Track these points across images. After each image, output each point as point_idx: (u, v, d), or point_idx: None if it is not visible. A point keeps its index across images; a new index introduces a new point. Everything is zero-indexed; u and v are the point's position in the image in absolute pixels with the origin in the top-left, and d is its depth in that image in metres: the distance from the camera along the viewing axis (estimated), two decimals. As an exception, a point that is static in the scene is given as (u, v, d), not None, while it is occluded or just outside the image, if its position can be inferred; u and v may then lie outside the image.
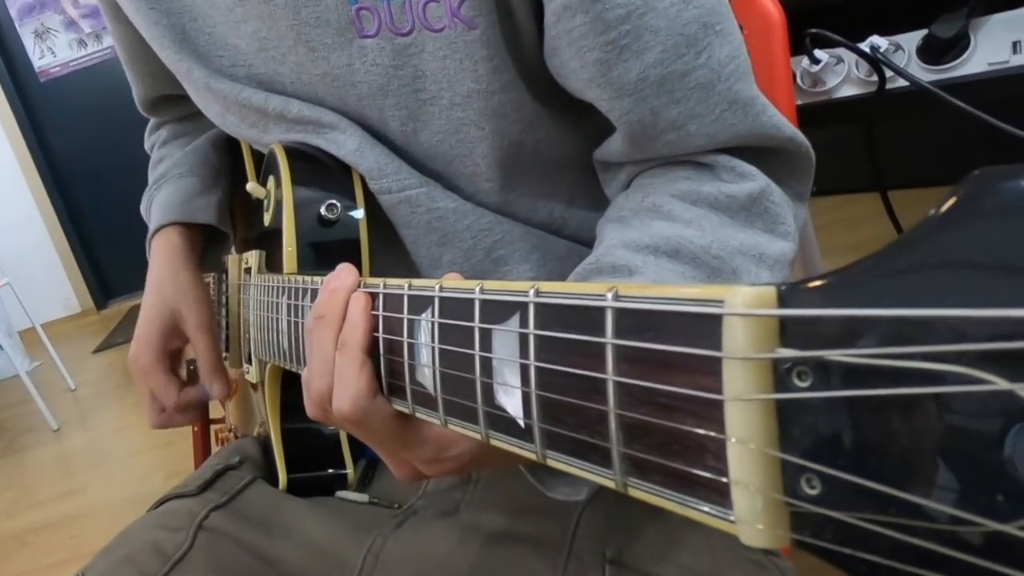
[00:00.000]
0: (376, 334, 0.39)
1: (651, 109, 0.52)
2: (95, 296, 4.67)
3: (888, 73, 0.86)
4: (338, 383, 0.40)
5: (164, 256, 0.78)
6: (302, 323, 0.53)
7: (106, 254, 4.64)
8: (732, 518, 0.20)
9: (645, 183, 0.57)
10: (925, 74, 0.85)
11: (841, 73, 0.92)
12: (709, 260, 0.50)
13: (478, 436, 0.32)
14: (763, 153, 0.55)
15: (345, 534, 0.65)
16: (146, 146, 0.93)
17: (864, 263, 0.17)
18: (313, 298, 0.50)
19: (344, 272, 0.42)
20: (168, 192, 0.81)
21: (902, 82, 0.85)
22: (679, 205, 0.53)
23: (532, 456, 0.28)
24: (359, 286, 0.41)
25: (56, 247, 4.56)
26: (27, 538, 2.18)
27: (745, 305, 0.19)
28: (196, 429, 0.99)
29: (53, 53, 4.38)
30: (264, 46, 0.62)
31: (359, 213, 0.62)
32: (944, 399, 0.15)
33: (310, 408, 0.44)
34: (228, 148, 0.85)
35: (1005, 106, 0.77)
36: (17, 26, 4.34)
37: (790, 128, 0.55)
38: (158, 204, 0.81)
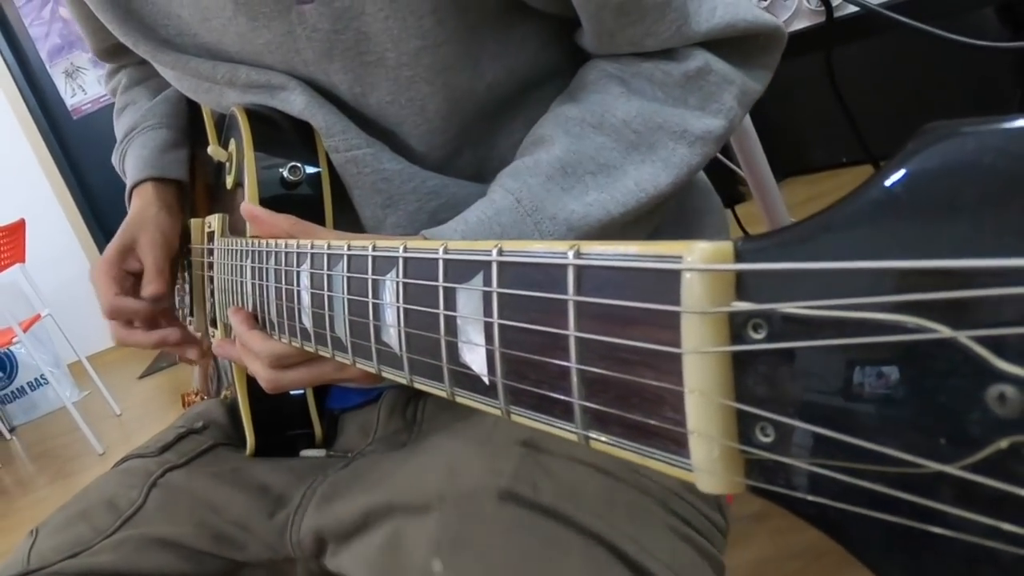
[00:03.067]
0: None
1: (609, 30, 0.55)
2: None
3: (835, 1, 0.87)
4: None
5: (138, 204, 0.79)
6: (267, 286, 0.53)
7: None
8: (690, 466, 0.20)
9: (599, 58, 0.60)
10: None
11: (791, 7, 0.92)
12: (628, 134, 0.55)
13: (444, 394, 0.32)
14: (723, 42, 0.57)
15: (292, 479, 0.66)
16: (106, 90, 0.92)
17: (816, 218, 0.18)
18: (276, 261, 0.50)
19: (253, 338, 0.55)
20: (141, 144, 0.80)
21: (850, 9, 0.86)
22: (616, 79, 0.57)
23: (496, 412, 0.28)
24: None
25: None
26: None
27: (703, 260, 0.19)
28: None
29: (83, 90, 4.49)
30: (206, 16, 0.61)
31: (320, 171, 0.62)
32: (891, 348, 0.16)
33: (267, 385, 0.54)
34: (193, 103, 0.84)
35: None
36: (48, 67, 4.46)
37: (746, 19, 0.56)
38: (132, 158, 0.80)
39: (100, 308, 0.75)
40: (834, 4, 0.87)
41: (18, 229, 3.25)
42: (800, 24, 0.92)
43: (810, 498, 0.17)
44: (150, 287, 0.74)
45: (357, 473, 0.63)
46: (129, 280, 0.77)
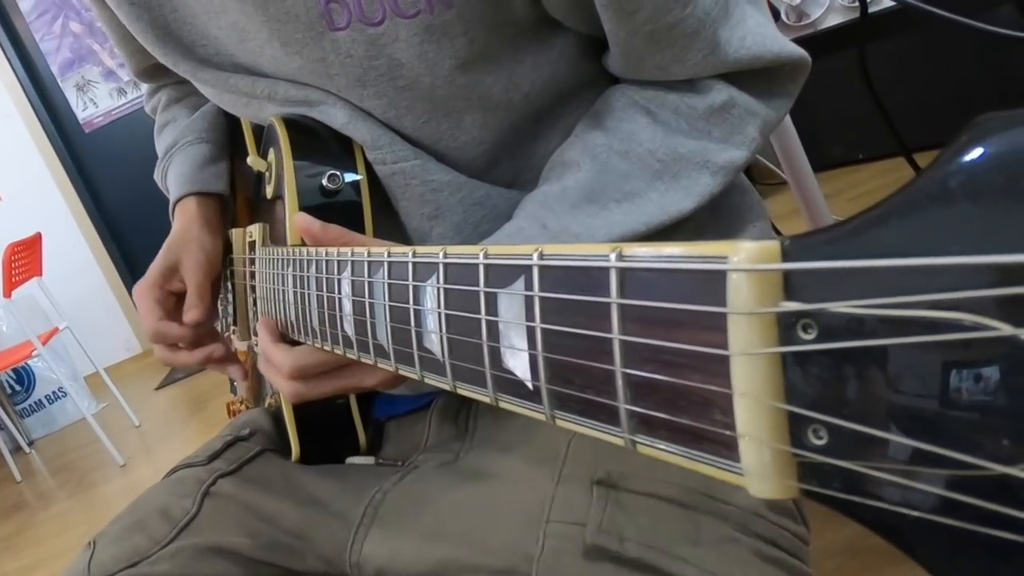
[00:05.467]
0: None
1: (638, 55, 0.55)
2: None
3: None
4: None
5: (181, 222, 0.80)
6: (308, 294, 0.53)
7: None
8: (740, 471, 0.20)
9: (624, 84, 0.61)
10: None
11: (824, 3, 0.91)
12: (653, 163, 0.56)
13: (487, 400, 0.32)
14: (748, 72, 0.57)
15: (348, 491, 0.66)
16: (147, 109, 0.93)
17: (866, 214, 0.17)
18: (317, 269, 0.51)
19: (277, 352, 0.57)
20: (181, 160, 0.81)
21: (885, 3, 0.85)
22: (642, 109, 0.58)
23: (541, 417, 0.28)
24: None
25: (114, 292, 4.68)
26: None
27: (748, 260, 0.19)
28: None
29: (95, 104, 4.54)
30: (243, 37, 0.61)
31: (360, 180, 0.62)
32: (949, 347, 0.15)
33: (290, 397, 0.58)
34: (232, 115, 0.85)
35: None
36: (59, 81, 4.51)
37: (772, 51, 0.56)
38: (173, 174, 0.81)
39: (143, 330, 0.76)
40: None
41: (35, 243, 3.27)
42: (833, 20, 0.91)
43: (868, 502, 0.17)
44: (191, 313, 0.75)
45: (419, 498, 0.63)
46: (172, 300, 0.78)
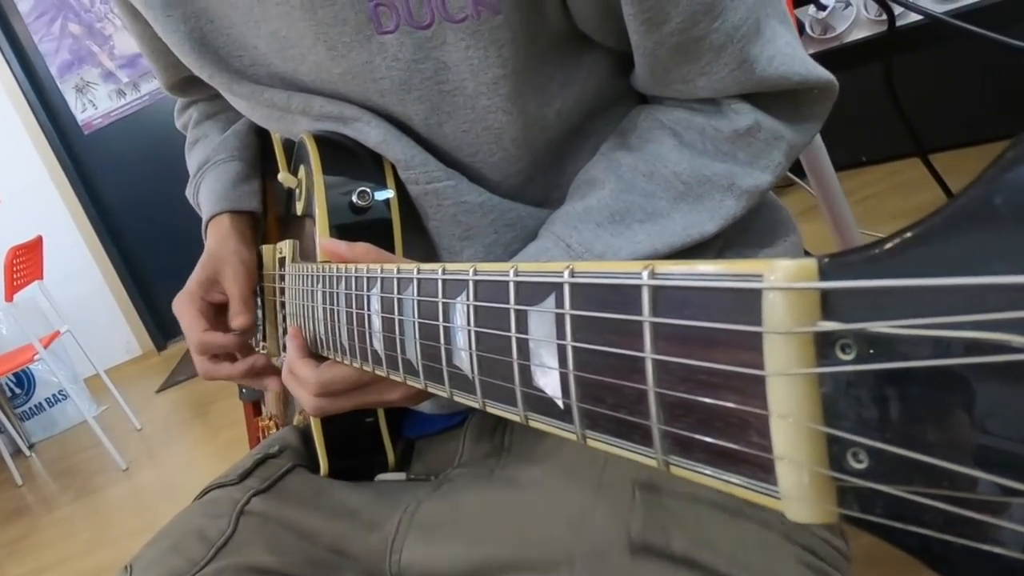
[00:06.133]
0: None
1: (664, 67, 0.55)
2: (155, 338, 4.79)
3: (897, 10, 0.84)
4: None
5: (216, 236, 0.80)
6: (337, 310, 0.53)
7: (162, 296, 4.73)
8: (778, 494, 0.20)
9: (651, 104, 0.62)
10: (934, 5, 0.82)
11: (850, 17, 0.90)
12: (678, 185, 0.56)
13: (517, 418, 0.32)
14: (775, 95, 0.57)
15: (381, 502, 0.66)
16: (178, 125, 0.94)
17: (906, 231, 0.17)
18: (347, 286, 0.51)
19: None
20: (213, 178, 0.82)
21: (912, 18, 0.84)
22: (668, 130, 0.58)
23: (572, 436, 0.28)
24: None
25: (114, 294, 4.70)
26: (104, 575, 2.16)
27: (785, 279, 0.19)
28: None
29: (94, 105, 4.54)
30: (284, 45, 0.62)
31: (390, 196, 0.62)
32: (993, 368, 0.15)
33: (312, 412, 0.58)
34: (263, 131, 0.86)
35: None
36: (58, 83, 4.52)
37: (800, 73, 0.55)
38: (206, 192, 0.82)
39: (188, 343, 0.77)
40: (896, 13, 0.85)
41: (36, 247, 3.25)
42: (860, 34, 0.90)
43: (912, 528, 0.16)
44: (239, 318, 0.75)
45: (456, 506, 0.62)
46: (212, 311, 0.78)
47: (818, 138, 1.24)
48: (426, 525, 0.62)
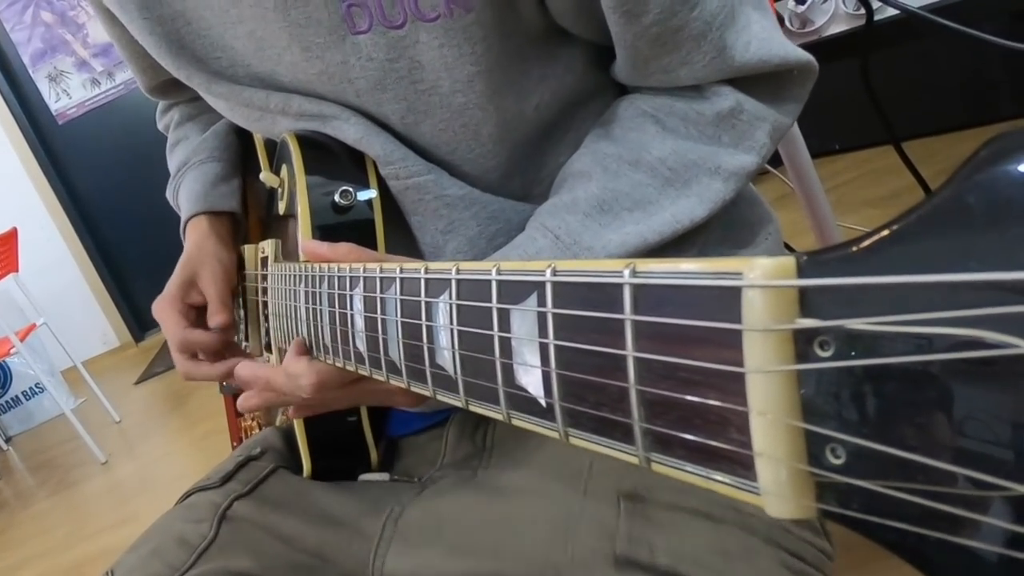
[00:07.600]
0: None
1: (644, 59, 0.56)
2: (132, 329, 4.75)
3: (875, 4, 0.85)
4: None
5: (194, 238, 0.80)
6: (320, 310, 0.53)
7: (139, 287, 4.70)
8: (758, 490, 0.20)
9: (632, 94, 0.62)
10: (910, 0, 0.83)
11: (828, 11, 0.91)
12: (664, 171, 0.56)
13: (500, 417, 0.32)
14: (755, 78, 0.57)
15: (364, 507, 0.66)
16: (159, 127, 0.93)
17: (883, 230, 0.17)
18: (330, 285, 0.51)
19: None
20: (192, 179, 0.82)
21: (890, 12, 0.84)
22: (651, 118, 0.58)
23: (554, 434, 0.28)
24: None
25: (90, 285, 4.65)
26: (83, 570, 2.13)
27: (764, 276, 0.19)
28: (234, 444, 0.99)
29: (68, 95, 4.47)
30: (260, 46, 0.62)
31: (373, 196, 0.62)
32: (969, 364, 0.15)
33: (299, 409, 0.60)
34: (244, 132, 0.85)
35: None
36: (31, 72, 4.43)
37: (778, 55, 0.56)
38: (185, 193, 0.82)
39: (169, 343, 0.77)
40: (874, 7, 0.86)
41: (11, 238, 3.19)
42: (837, 28, 0.91)
43: (889, 523, 0.17)
44: (217, 317, 0.76)
45: (440, 513, 0.62)
46: (192, 313, 0.78)
47: (795, 129, 1.24)
48: (410, 533, 0.62)
